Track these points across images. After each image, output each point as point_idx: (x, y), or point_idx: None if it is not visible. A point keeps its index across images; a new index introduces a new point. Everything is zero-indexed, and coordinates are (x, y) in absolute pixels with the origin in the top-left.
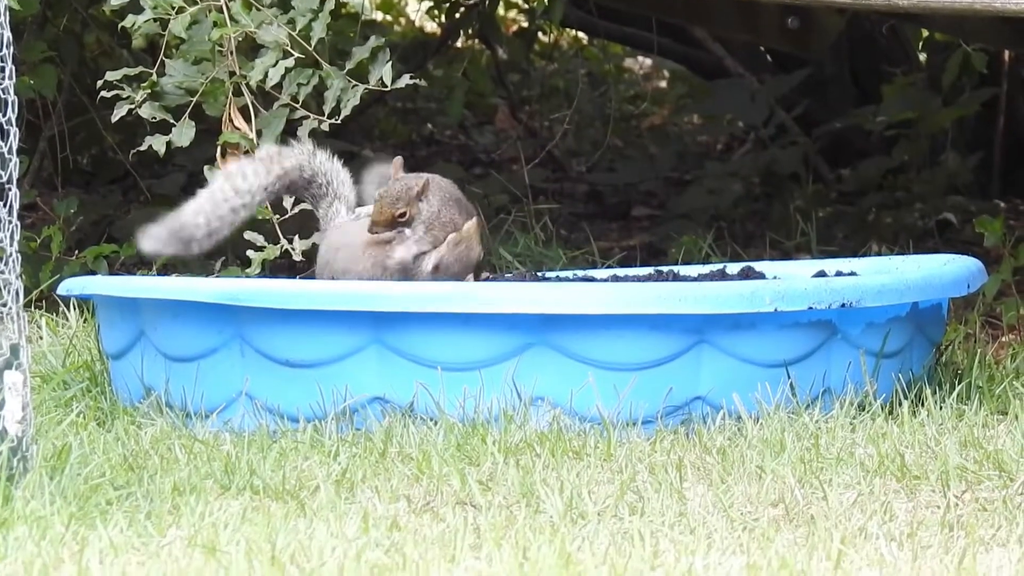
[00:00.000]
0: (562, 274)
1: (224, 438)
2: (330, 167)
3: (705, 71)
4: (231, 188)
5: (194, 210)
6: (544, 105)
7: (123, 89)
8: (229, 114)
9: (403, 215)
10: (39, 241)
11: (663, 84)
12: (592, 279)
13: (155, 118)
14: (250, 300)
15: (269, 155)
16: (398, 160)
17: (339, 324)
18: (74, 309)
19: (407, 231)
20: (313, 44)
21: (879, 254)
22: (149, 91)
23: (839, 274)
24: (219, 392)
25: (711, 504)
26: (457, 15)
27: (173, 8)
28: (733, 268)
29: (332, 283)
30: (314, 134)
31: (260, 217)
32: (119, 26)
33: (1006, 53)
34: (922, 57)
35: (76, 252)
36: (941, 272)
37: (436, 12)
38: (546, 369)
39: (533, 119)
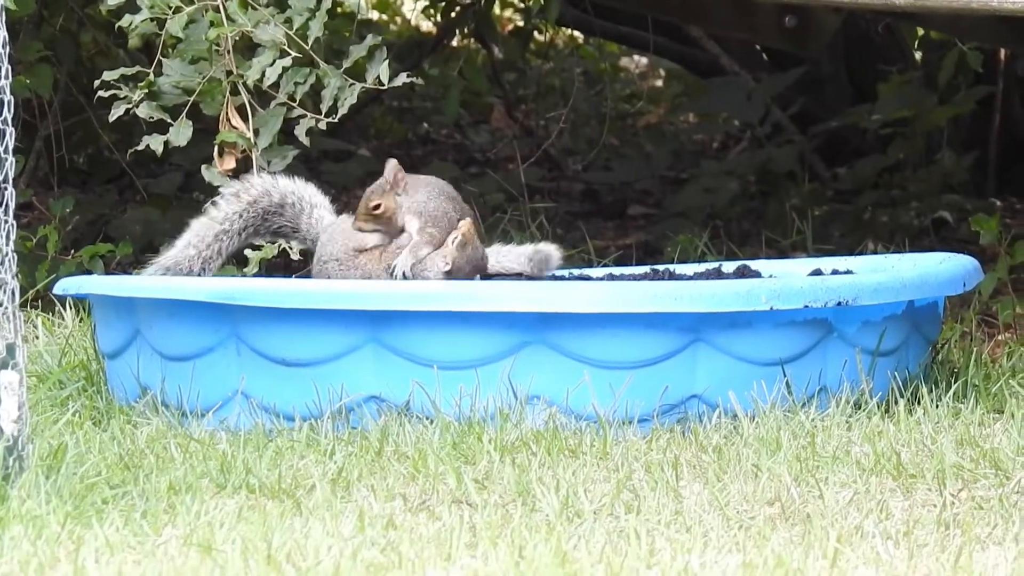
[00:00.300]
0: (558, 273)
1: (220, 437)
2: (294, 186)
3: (701, 70)
4: (208, 218)
5: (184, 244)
6: (540, 104)
7: (120, 89)
8: (226, 113)
9: (377, 207)
10: (35, 241)
11: (659, 83)
12: (588, 278)
13: (152, 117)
14: (246, 299)
15: (235, 189)
16: (391, 162)
17: (335, 323)
18: (70, 308)
19: (403, 237)
20: (310, 43)
21: (875, 252)
22: (146, 91)
23: (835, 272)
24: (215, 391)
25: (707, 502)
26: (453, 14)
27: (170, 8)
28: (729, 267)
29: (328, 282)
30: (311, 133)
31: None
32: (116, 26)
33: (1002, 51)
34: (918, 55)
35: (72, 251)
36: (937, 270)
37: (432, 11)
38: (542, 368)
39: (529, 118)
